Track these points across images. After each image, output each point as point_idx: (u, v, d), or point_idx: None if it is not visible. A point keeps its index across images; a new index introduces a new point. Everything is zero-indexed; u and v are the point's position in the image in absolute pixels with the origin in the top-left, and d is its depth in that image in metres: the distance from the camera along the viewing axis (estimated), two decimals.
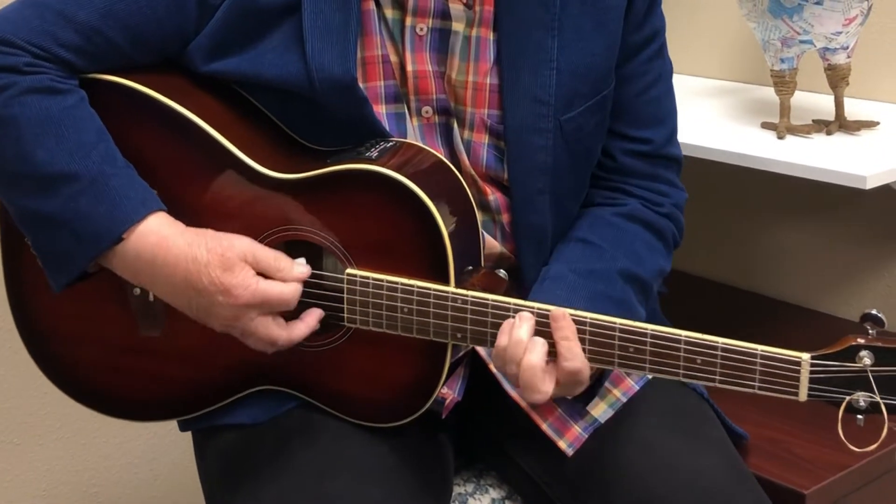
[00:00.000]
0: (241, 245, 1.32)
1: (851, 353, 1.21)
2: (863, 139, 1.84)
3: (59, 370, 1.49)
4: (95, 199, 1.31)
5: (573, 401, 1.43)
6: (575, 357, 1.26)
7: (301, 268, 1.34)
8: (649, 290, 1.47)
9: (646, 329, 1.26)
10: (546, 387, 1.27)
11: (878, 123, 1.88)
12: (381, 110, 1.40)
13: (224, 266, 1.30)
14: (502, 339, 1.28)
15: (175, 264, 1.31)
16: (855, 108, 1.92)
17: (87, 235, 1.32)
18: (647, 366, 1.26)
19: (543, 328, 1.28)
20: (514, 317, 1.28)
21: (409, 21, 1.39)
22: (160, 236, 1.32)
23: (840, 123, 1.86)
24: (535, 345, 1.27)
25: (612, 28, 1.43)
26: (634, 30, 1.46)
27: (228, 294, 1.30)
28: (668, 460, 1.39)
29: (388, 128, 1.40)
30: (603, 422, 1.44)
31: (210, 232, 1.33)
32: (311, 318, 1.35)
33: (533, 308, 1.28)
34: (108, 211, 1.31)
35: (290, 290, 1.32)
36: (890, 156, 1.75)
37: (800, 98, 1.91)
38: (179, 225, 1.34)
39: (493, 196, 1.44)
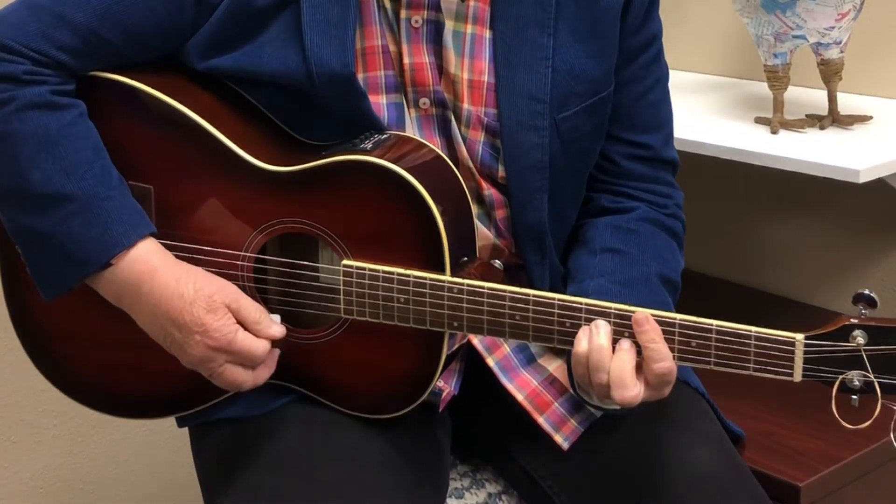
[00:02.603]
0: (228, 291, 1.34)
1: (845, 333, 1.22)
2: (856, 133, 1.85)
3: (55, 367, 1.49)
4: (88, 222, 1.32)
5: (570, 395, 1.43)
6: (664, 358, 1.26)
7: (277, 328, 1.35)
8: (679, 289, 1.48)
9: (636, 313, 1.26)
10: (637, 387, 1.26)
11: (871, 118, 1.88)
12: (381, 100, 1.41)
13: (209, 308, 1.31)
14: (581, 346, 1.28)
15: (160, 296, 1.32)
16: (848, 103, 1.93)
17: (77, 257, 1.33)
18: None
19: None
20: (586, 324, 1.28)
21: (403, 13, 1.39)
22: (149, 266, 1.33)
23: (833, 118, 1.87)
24: (623, 344, 1.27)
25: (608, 30, 1.43)
26: (632, 34, 1.46)
27: (206, 335, 1.31)
28: (664, 455, 1.39)
29: (387, 118, 1.41)
30: (599, 416, 1.44)
31: (200, 271, 1.35)
32: (273, 361, 1.37)
33: (568, 301, 1.29)
34: (100, 235, 1.32)
35: (261, 348, 1.34)
36: (883, 150, 1.76)
37: (793, 93, 1.91)
38: (169, 255, 1.35)
39: (489, 191, 1.44)
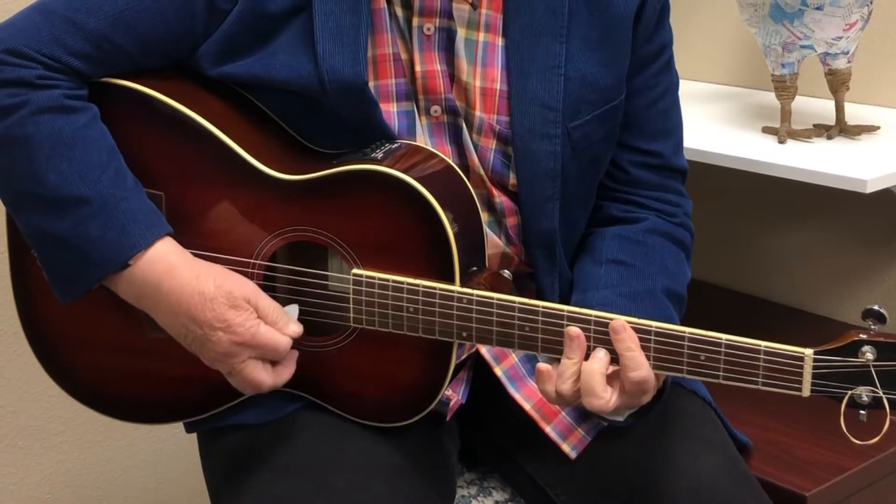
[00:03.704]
0: (248, 288, 1.34)
1: (854, 349, 1.22)
2: (863, 143, 1.85)
3: (65, 372, 1.49)
4: (105, 223, 1.32)
5: (577, 405, 1.44)
6: (640, 367, 1.26)
7: (295, 327, 1.35)
8: (685, 302, 1.48)
9: (650, 326, 1.26)
10: (606, 393, 1.27)
11: (878, 128, 1.89)
12: (391, 108, 1.41)
13: (230, 304, 1.32)
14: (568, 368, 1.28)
15: (180, 294, 1.32)
16: (855, 113, 1.93)
17: (94, 259, 1.33)
18: (651, 362, 1.27)
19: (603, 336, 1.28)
20: (594, 335, 1.28)
21: (415, 21, 1.40)
22: (168, 264, 1.33)
23: (840, 128, 1.88)
24: (597, 352, 1.27)
25: (620, 38, 1.44)
26: (644, 42, 1.47)
27: (229, 330, 1.31)
28: (671, 463, 1.40)
29: (398, 126, 1.41)
30: (606, 425, 1.44)
31: (218, 267, 1.35)
32: (292, 362, 1.37)
33: (577, 313, 1.29)
34: (117, 236, 1.32)
35: (284, 342, 1.34)
36: (890, 160, 1.76)
37: (800, 102, 1.92)
38: (187, 254, 1.36)
39: (500, 199, 1.44)
